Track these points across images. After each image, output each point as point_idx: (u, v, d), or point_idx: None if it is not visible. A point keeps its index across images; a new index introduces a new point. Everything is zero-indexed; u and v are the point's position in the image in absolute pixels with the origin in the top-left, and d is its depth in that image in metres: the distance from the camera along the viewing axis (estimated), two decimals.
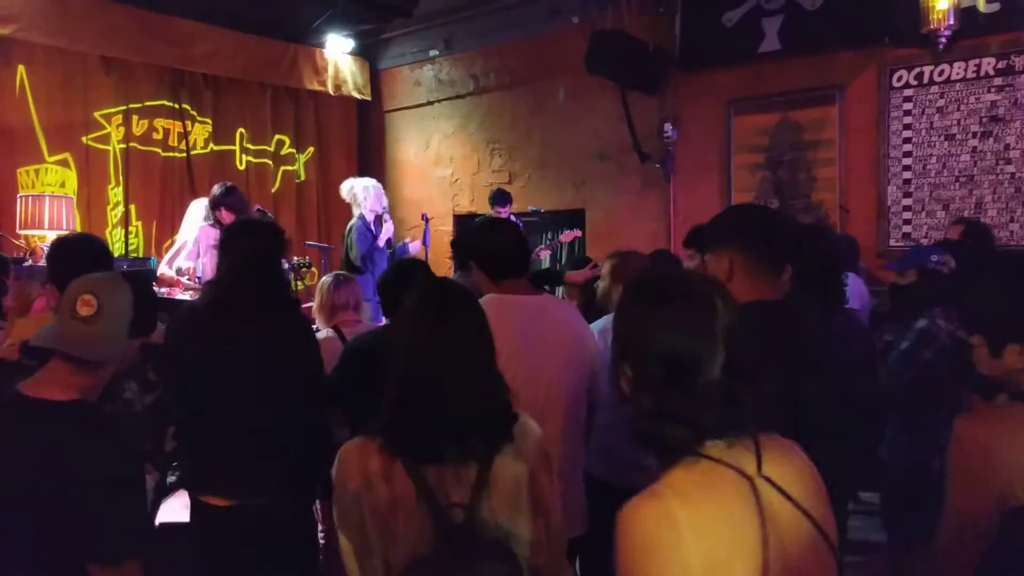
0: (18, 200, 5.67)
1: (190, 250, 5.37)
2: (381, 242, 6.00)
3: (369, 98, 8.60)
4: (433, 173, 8.27)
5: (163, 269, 5.51)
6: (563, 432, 2.32)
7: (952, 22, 4.93)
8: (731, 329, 1.18)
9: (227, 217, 5.35)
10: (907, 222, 5.50)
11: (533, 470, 1.56)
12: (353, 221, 6.05)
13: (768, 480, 1.16)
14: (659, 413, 1.17)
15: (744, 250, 1.92)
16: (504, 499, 1.52)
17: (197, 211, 5.61)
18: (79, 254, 2.41)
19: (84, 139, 6.59)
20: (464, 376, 1.52)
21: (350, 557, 1.56)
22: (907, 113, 5.47)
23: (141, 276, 2.08)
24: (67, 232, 2.70)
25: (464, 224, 3.16)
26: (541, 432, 1.64)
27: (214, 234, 5.36)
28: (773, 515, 1.14)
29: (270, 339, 2.40)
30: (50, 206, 5.63)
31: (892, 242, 5.48)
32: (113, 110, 6.77)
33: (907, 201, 5.50)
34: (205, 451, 2.38)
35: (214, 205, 5.34)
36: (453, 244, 3.28)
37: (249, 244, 2.48)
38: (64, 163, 6.47)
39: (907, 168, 5.49)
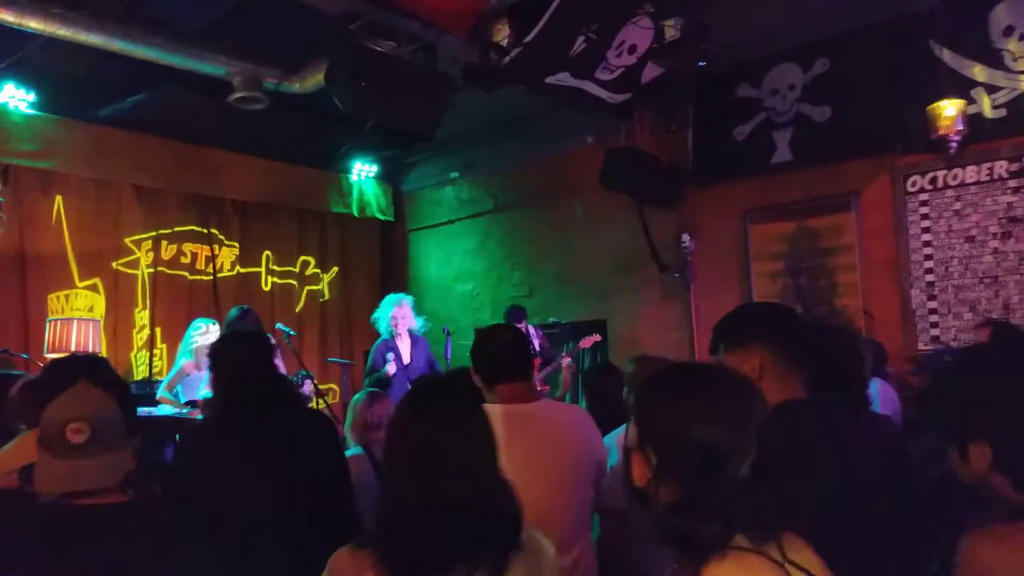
0: (47, 324, 5.78)
1: (209, 379, 5.28)
2: (394, 367, 5.70)
3: (392, 219, 8.84)
4: (455, 288, 8.36)
5: (161, 392, 5.49)
6: (559, 550, 2.19)
7: (961, 127, 5.01)
8: (763, 426, 1.16)
9: None
10: (934, 325, 5.40)
11: None
12: (379, 339, 6.03)
13: (794, 564, 1.13)
14: (687, 506, 1.12)
15: (772, 348, 1.86)
16: None
17: (202, 336, 5.61)
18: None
19: (114, 264, 6.78)
20: (463, 481, 1.42)
21: None
22: (924, 217, 5.49)
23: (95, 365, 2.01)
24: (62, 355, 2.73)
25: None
26: (552, 551, 1.52)
27: None
28: None
29: (284, 439, 2.38)
30: (77, 329, 5.73)
31: (921, 345, 5.37)
32: (143, 236, 6.99)
33: (932, 304, 5.43)
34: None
35: (231, 328, 5.36)
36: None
37: (234, 356, 2.53)
38: (93, 288, 6.63)
39: (929, 271, 5.45)
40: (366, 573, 1.40)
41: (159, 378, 6.63)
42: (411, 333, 5.97)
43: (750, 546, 1.11)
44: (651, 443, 1.19)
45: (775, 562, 1.11)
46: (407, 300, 6.06)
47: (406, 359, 5.84)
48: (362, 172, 8.44)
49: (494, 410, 2.23)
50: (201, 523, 2.34)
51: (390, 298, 6.13)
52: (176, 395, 5.44)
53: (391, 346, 5.86)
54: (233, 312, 5.46)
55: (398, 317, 5.90)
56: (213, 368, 2.59)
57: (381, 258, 8.97)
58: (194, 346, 5.56)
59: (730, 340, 1.93)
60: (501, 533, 1.44)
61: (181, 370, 5.52)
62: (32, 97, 6.03)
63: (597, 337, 6.60)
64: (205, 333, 5.61)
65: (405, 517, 1.41)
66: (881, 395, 4.17)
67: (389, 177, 8.79)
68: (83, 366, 2.26)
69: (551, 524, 2.15)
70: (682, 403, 1.19)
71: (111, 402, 1.66)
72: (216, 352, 2.62)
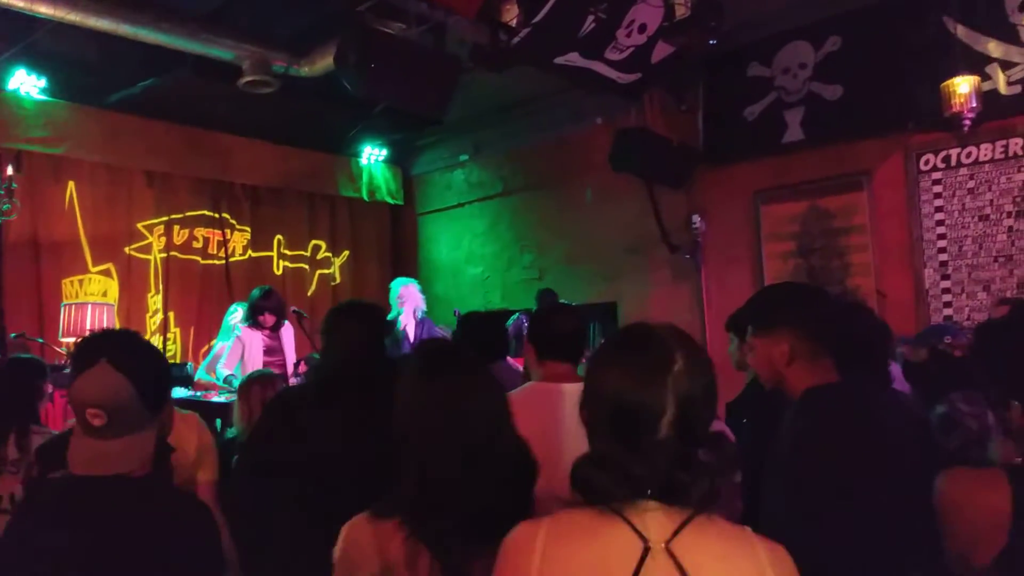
0: (61, 308, 5.84)
1: (230, 353, 5.39)
2: (410, 338, 5.87)
3: (402, 203, 8.85)
4: (465, 271, 8.38)
5: (200, 374, 5.56)
6: None
7: (975, 104, 4.95)
8: (692, 390, 1.14)
9: (268, 319, 5.43)
10: (948, 304, 5.37)
11: None
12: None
13: (670, 554, 1.08)
14: (598, 460, 1.14)
15: (801, 332, 1.82)
16: None
17: (234, 317, 5.71)
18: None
19: (127, 249, 6.82)
20: (487, 441, 1.42)
21: None
22: (938, 196, 5.44)
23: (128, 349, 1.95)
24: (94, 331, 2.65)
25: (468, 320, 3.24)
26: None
27: (258, 337, 5.42)
28: None
29: (377, 426, 2.33)
30: (92, 313, 5.79)
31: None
32: (155, 221, 7.03)
33: (946, 283, 5.39)
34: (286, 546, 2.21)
35: (255, 308, 5.42)
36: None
37: (354, 328, 2.44)
38: (107, 273, 6.68)
39: (943, 250, 5.41)
40: (392, 542, 1.38)
41: (173, 362, 6.70)
42: (416, 315, 6.03)
43: (629, 516, 1.09)
44: (583, 405, 1.22)
45: (642, 539, 1.08)
46: (413, 283, 6.15)
47: (412, 338, 5.90)
48: (372, 156, 8.44)
49: (545, 388, 2.30)
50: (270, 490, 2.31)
51: (397, 281, 6.23)
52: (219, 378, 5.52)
53: (396, 322, 5.92)
54: (255, 293, 5.53)
55: (404, 297, 5.99)
56: (326, 336, 2.49)
57: (392, 242, 8.99)
58: (232, 321, 5.66)
59: (758, 323, 1.91)
60: (521, 487, 1.44)
61: (218, 353, 5.59)
62: (43, 83, 6.05)
63: None
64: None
65: (426, 484, 1.40)
66: (894, 376, 4.17)
67: (399, 161, 8.79)
68: (107, 345, 2.25)
69: None
70: (601, 363, 1.21)
71: (128, 386, 1.65)
72: (332, 323, 2.51)
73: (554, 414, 2.23)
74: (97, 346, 2.24)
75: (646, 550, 1.08)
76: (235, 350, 5.35)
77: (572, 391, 2.33)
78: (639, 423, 1.12)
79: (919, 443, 2.29)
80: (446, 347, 1.66)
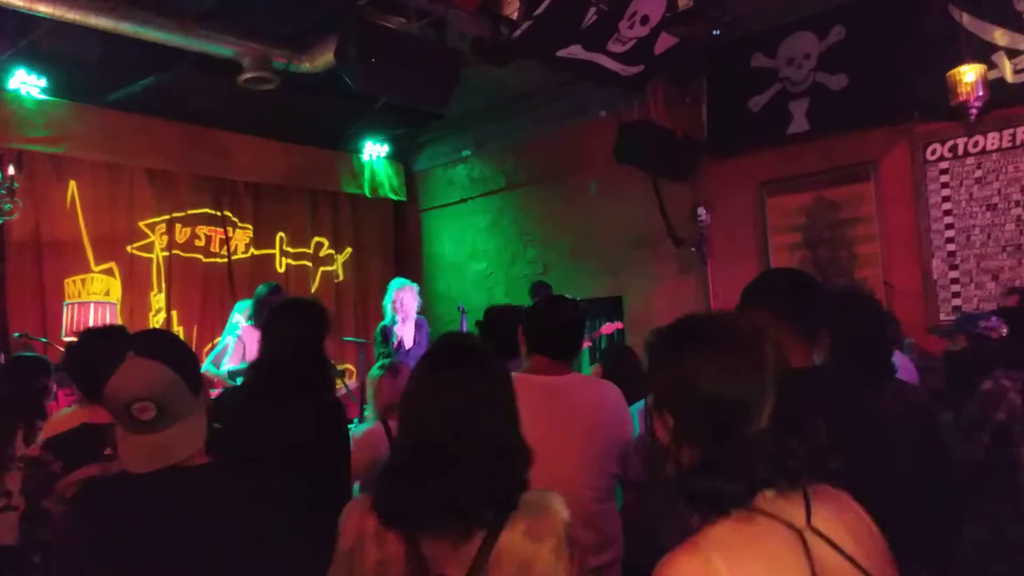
0: (64, 308, 5.82)
1: (232, 352, 5.38)
2: (406, 344, 5.79)
3: (404, 199, 8.82)
4: (469, 267, 8.35)
5: (207, 367, 5.55)
6: (584, 525, 2.17)
7: (981, 93, 4.90)
8: (781, 375, 1.12)
9: None
10: (956, 295, 5.33)
11: (552, 559, 1.41)
12: (380, 324, 6.04)
13: (817, 532, 1.08)
14: (707, 466, 1.08)
15: (774, 314, 1.81)
16: None
17: (237, 315, 5.69)
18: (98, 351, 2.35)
19: (129, 248, 6.80)
20: (466, 438, 1.39)
21: None
22: (945, 185, 5.39)
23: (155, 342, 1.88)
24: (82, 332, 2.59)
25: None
26: (567, 515, 1.48)
27: (258, 335, 5.39)
28: (825, 569, 1.07)
29: (307, 423, 2.36)
30: (94, 312, 5.78)
31: (943, 315, 5.30)
32: (157, 219, 7.00)
33: (954, 273, 5.35)
34: None
35: (263, 304, 5.38)
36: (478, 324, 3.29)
37: (292, 326, 2.47)
38: (109, 272, 6.66)
39: (950, 240, 5.37)
40: (368, 517, 1.42)
41: None
42: (412, 320, 5.95)
43: (772, 511, 1.07)
44: (665, 406, 1.17)
45: (794, 529, 1.07)
46: (410, 285, 6.02)
47: (409, 343, 5.82)
48: (374, 152, 8.41)
49: (524, 379, 2.26)
50: None
51: (394, 283, 6.12)
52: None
53: (391, 330, 5.85)
54: (262, 289, 5.49)
55: (398, 301, 5.89)
56: (263, 334, 2.54)
57: (395, 238, 8.96)
58: (235, 319, 5.64)
59: (743, 307, 1.91)
60: (499, 492, 1.40)
61: (224, 348, 5.58)
62: (43, 82, 6.03)
63: (619, 324, 6.55)
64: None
65: (399, 469, 1.42)
66: (899, 366, 4.13)
67: (401, 157, 8.76)
68: (122, 338, 2.21)
69: (574, 498, 2.14)
70: (686, 360, 1.15)
71: (165, 370, 1.59)
72: (268, 322, 2.57)
73: (532, 408, 2.21)
74: (109, 343, 2.20)
75: (802, 538, 1.07)
76: (236, 349, 5.34)
77: (547, 384, 2.30)
78: (743, 420, 1.09)
79: (907, 435, 2.25)
80: (461, 340, 1.63)
